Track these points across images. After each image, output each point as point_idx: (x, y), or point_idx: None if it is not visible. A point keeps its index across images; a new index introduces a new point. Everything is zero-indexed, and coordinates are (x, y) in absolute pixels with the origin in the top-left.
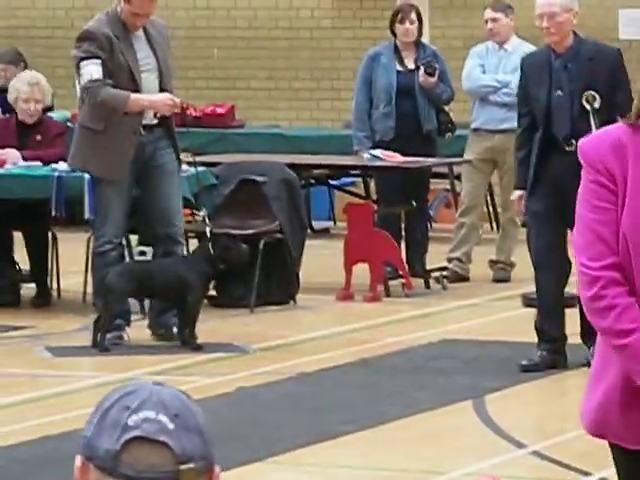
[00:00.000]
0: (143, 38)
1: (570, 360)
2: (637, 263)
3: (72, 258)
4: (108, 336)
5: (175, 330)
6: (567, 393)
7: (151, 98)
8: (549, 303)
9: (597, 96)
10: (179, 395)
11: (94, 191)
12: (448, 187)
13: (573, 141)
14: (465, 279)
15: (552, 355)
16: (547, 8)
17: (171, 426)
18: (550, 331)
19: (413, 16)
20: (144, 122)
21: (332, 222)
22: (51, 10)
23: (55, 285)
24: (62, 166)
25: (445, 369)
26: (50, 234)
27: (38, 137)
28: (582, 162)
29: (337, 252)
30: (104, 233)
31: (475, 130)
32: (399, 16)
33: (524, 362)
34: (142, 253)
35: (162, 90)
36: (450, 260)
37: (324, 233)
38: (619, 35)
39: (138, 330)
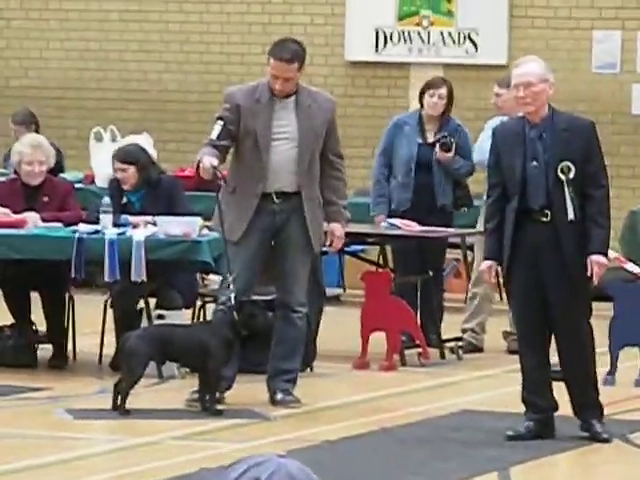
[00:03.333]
0: (292, 106)
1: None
2: None
3: (88, 320)
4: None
5: (278, 396)
6: (593, 466)
7: (202, 161)
8: (534, 377)
9: (572, 167)
10: (304, 468)
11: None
12: (458, 257)
13: (548, 212)
14: (479, 349)
15: (539, 425)
16: (523, 78)
17: None
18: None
19: (443, 91)
20: (278, 189)
21: (342, 289)
22: (63, 71)
23: (71, 347)
24: (82, 227)
25: (468, 440)
26: (67, 295)
27: (45, 198)
28: None
29: (348, 319)
30: (221, 294)
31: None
32: (430, 90)
33: (510, 433)
34: (160, 317)
35: (301, 160)
36: (464, 331)
37: (334, 300)
38: (632, 110)
39: (158, 394)
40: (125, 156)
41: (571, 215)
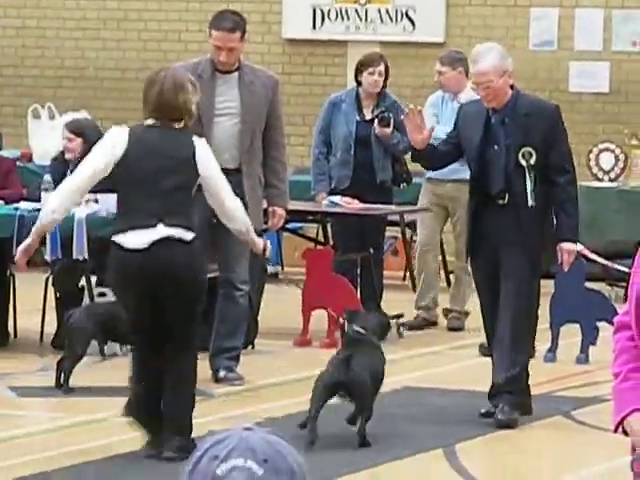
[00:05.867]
0: (234, 82)
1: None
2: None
3: (29, 298)
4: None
5: (221, 373)
6: (537, 442)
7: None
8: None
9: (533, 152)
10: (269, 438)
11: None
12: (395, 234)
13: (506, 194)
14: (434, 324)
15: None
16: (483, 77)
17: (260, 472)
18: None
19: (381, 68)
20: (220, 165)
21: (280, 267)
22: (0, 48)
23: (12, 325)
24: (24, 205)
25: (412, 417)
26: (8, 273)
27: None
28: None
29: (287, 297)
30: None
31: (428, 179)
32: (368, 67)
33: (482, 410)
34: (101, 294)
35: (243, 136)
36: (419, 308)
37: (272, 278)
38: (569, 87)
39: (101, 372)
40: (74, 127)
41: (530, 201)
